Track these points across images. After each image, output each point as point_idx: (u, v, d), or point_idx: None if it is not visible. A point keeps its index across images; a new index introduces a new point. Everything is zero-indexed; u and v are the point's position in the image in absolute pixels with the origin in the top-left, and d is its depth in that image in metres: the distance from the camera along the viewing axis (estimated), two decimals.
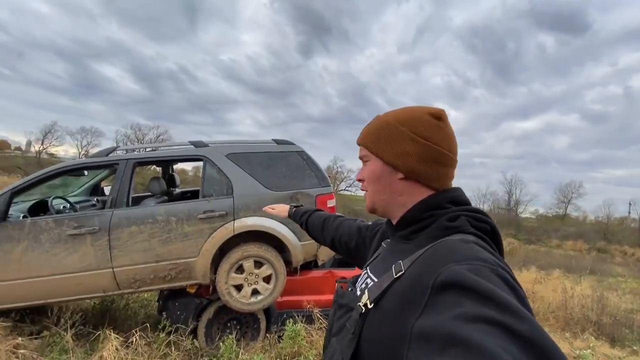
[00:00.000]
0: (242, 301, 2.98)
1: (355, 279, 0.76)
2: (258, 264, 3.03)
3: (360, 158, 0.75)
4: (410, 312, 0.48)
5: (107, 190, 4.22)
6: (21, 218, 2.82)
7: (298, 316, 3.30)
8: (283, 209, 1.41)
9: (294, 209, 1.35)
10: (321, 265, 3.68)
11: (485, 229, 0.61)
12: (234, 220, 2.94)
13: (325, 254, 3.24)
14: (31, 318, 2.96)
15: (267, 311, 3.33)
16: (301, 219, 1.27)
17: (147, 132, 39.40)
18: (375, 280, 0.64)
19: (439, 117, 0.67)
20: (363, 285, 0.69)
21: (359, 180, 0.75)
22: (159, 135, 38.83)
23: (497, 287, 0.43)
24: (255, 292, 3.05)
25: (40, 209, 3.15)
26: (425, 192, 0.66)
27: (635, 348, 4.16)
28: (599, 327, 4.65)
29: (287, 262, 3.19)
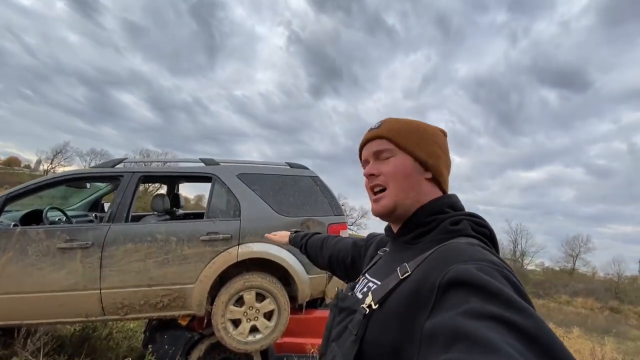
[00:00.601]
0: (238, 339, 2.64)
1: (354, 285, 0.75)
2: (260, 297, 2.73)
3: (376, 153, 0.71)
4: (418, 312, 0.48)
5: (107, 206, 4.03)
6: (11, 226, 2.61)
7: None
8: (284, 234, 1.40)
9: (294, 234, 1.35)
10: (328, 305, 3.34)
11: (485, 233, 0.62)
12: (238, 245, 2.70)
13: (335, 290, 2.93)
14: (2, 341, 2.63)
15: (264, 353, 2.95)
16: (301, 241, 1.27)
17: (156, 157, 40.16)
18: (378, 283, 0.63)
19: (445, 134, 0.76)
20: (365, 289, 0.67)
21: (371, 175, 0.71)
22: (166, 163, 39.73)
23: (504, 286, 0.43)
24: (254, 330, 2.71)
25: (33, 219, 2.94)
26: (436, 194, 0.69)
27: None
28: None
29: (292, 298, 2.88)
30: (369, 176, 0.71)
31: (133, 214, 2.84)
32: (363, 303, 0.59)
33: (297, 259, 2.80)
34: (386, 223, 0.77)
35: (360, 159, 0.79)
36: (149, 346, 2.72)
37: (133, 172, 2.85)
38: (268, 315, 2.75)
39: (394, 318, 0.52)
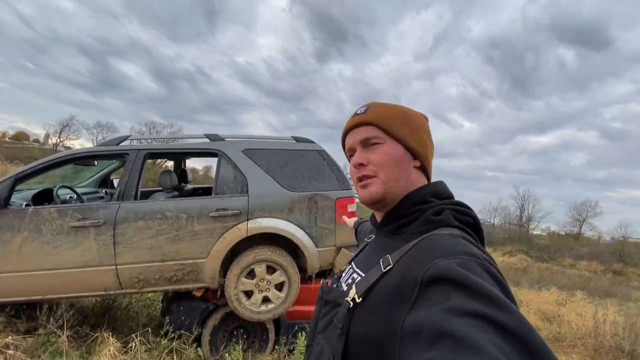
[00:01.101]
0: (251, 309, 2.75)
1: (340, 276, 0.75)
2: (270, 270, 2.80)
3: (363, 141, 0.67)
4: (399, 307, 0.48)
5: (117, 182, 4.07)
6: (23, 206, 2.66)
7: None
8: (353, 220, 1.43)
9: (359, 219, 1.38)
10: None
11: (468, 222, 0.61)
12: (247, 220, 2.73)
13: (342, 262, 2.99)
14: (27, 314, 2.78)
15: (276, 321, 3.08)
16: (357, 228, 1.29)
17: (161, 129, 39.85)
18: (363, 274, 0.63)
19: (427, 120, 0.73)
20: (350, 281, 0.67)
21: (360, 165, 0.67)
22: (172, 134, 39.48)
23: (485, 281, 0.43)
24: (265, 300, 2.81)
25: (44, 198, 2.99)
26: (423, 181, 0.69)
27: None
28: (632, 357, 4.26)
29: (301, 269, 2.95)
30: (358, 165, 0.67)
31: (142, 189, 2.86)
32: (347, 296, 0.59)
33: (306, 232, 2.83)
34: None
35: (344, 146, 0.75)
36: (166, 317, 2.85)
37: (138, 150, 2.83)
38: (279, 287, 2.83)
39: (377, 312, 0.52)
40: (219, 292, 2.89)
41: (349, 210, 2.95)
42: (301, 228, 2.82)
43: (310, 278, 3.06)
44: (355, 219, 1.40)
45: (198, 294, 3.01)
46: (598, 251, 33.83)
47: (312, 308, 3.23)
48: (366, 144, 0.68)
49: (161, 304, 3.52)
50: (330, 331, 0.60)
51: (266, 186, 2.84)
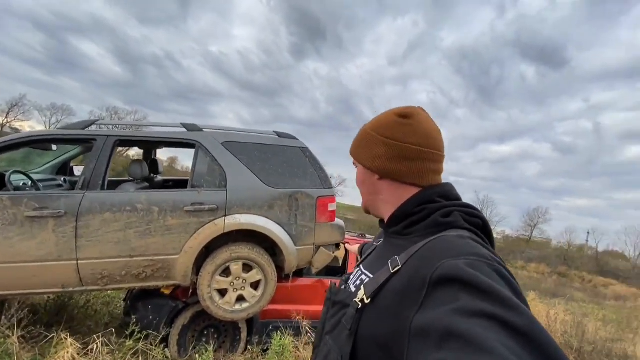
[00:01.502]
0: (225, 308, 2.65)
1: (348, 277, 0.76)
2: (247, 268, 2.71)
3: (354, 165, 0.78)
4: (408, 307, 0.48)
5: (77, 170, 3.75)
6: None
7: (285, 328, 3.00)
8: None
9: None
10: (314, 273, 3.40)
11: (477, 223, 0.61)
12: (225, 216, 2.62)
13: (321, 260, 2.97)
14: None
15: (249, 320, 3.00)
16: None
17: (125, 116, 37.47)
18: (371, 276, 0.63)
19: (404, 115, 0.68)
20: (358, 282, 0.67)
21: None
22: (136, 121, 37.07)
23: (494, 281, 0.42)
24: (240, 299, 2.72)
25: None
26: (406, 188, 0.67)
27: None
28: (580, 354, 4.64)
29: (278, 267, 2.89)
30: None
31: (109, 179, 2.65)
32: (356, 297, 0.59)
33: (285, 230, 2.77)
34: None
35: None
36: (132, 316, 2.67)
37: (108, 136, 2.61)
38: (255, 285, 2.75)
39: (385, 312, 0.52)
40: (190, 290, 2.75)
41: (330, 209, 2.92)
42: (281, 226, 2.75)
43: (287, 276, 3.00)
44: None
45: (167, 291, 2.85)
46: (546, 254, 36.67)
47: (287, 307, 3.18)
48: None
49: (124, 302, 3.30)
50: (339, 332, 0.61)
51: (246, 181, 2.74)
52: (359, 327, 0.56)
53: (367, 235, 4.40)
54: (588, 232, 42.42)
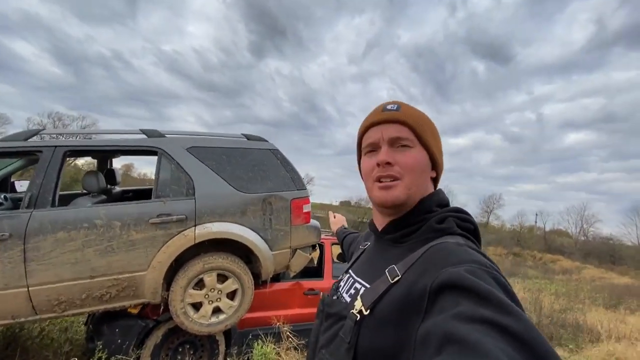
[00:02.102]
0: (200, 322, 2.52)
1: (338, 285, 0.74)
2: (221, 278, 2.60)
3: (394, 139, 0.63)
4: (410, 318, 0.48)
5: (19, 186, 3.37)
6: None
7: (265, 335, 2.93)
8: (339, 220, 1.40)
9: (342, 229, 1.35)
10: (290, 277, 3.34)
11: (469, 228, 0.62)
12: (195, 226, 2.48)
13: (298, 264, 2.93)
14: None
15: (227, 331, 2.89)
16: (343, 240, 1.27)
17: (70, 123, 34.26)
18: (367, 285, 0.61)
19: None
20: (352, 291, 0.65)
21: (387, 164, 0.62)
22: (84, 128, 33.95)
23: (493, 288, 0.43)
24: (216, 311, 2.60)
25: None
26: (432, 188, 0.68)
27: (571, 347, 4.57)
28: (539, 327, 5.03)
29: (255, 274, 2.81)
30: (385, 164, 0.62)
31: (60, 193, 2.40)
32: (352, 308, 0.58)
33: (260, 236, 2.69)
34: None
35: (361, 139, 0.71)
36: (96, 341, 2.45)
37: (55, 146, 2.37)
38: (231, 295, 2.65)
39: (386, 324, 0.52)
40: (161, 307, 2.58)
41: (305, 210, 2.89)
42: (255, 231, 2.67)
43: (264, 282, 2.92)
44: (340, 225, 1.36)
45: (134, 311, 2.65)
46: (502, 237, 39.49)
47: (266, 313, 3.10)
48: (395, 143, 0.64)
49: (85, 327, 3.03)
50: (336, 345, 0.59)
51: (216, 188, 2.62)
52: (358, 339, 0.54)
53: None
54: (536, 214, 46.37)
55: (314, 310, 2.78)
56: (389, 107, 0.67)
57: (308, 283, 3.50)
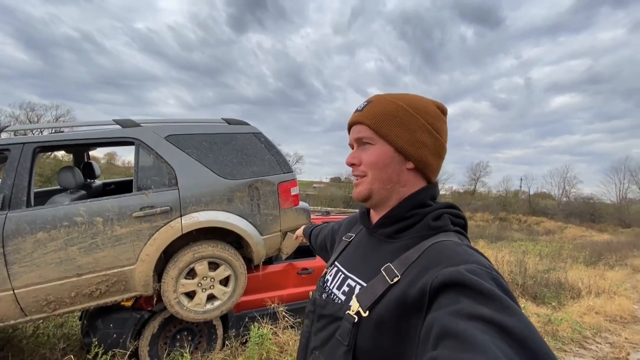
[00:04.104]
0: (195, 310, 2.53)
1: (325, 279, 0.72)
2: (213, 266, 2.60)
3: (357, 140, 0.66)
4: (411, 318, 0.48)
5: None
6: None
7: (262, 317, 2.98)
8: (299, 232, 1.37)
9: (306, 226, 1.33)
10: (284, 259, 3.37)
11: (461, 224, 0.63)
12: (181, 216, 2.44)
13: (290, 246, 2.94)
14: None
15: (223, 316, 2.92)
16: (310, 236, 1.25)
17: (43, 112, 32.64)
18: (362, 283, 0.60)
19: (443, 110, 0.67)
20: (346, 289, 0.64)
21: (351, 165, 0.67)
22: (59, 117, 32.32)
23: (493, 288, 0.43)
24: (211, 298, 2.62)
25: None
26: (422, 183, 0.66)
27: (554, 304, 4.83)
28: (524, 288, 5.29)
29: (247, 259, 2.81)
30: (350, 165, 0.68)
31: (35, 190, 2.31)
32: (349, 309, 0.57)
33: (249, 221, 2.67)
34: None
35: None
36: (91, 336, 2.45)
37: (24, 143, 2.24)
38: (224, 281, 2.66)
39: (385, 325, 0.51)
40: (154, 298, 2.58)
41: (292, 193, 2.86)
42: (243, 217, 2.64)
43: (257, 266, 2.94)
44: (300, 229, 1.36)
45: (127, 303, 2.65)
46: (488, 203, 40.67)
47: (260, 296, 3.14)
48: (360, 143, 0.67)
49: (80, 322, 3.02)
50: (332, 347, 0.58)
51: (199, 176, 2.56)
52: (357, 341, 0.54)
53: (331, 213, 4.44)
54: (521, 179, 47.77)
55: (309, 288, 2.82)
56: (359, 106, 0.68)
57: (301, 263, 3.54)
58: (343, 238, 0.80)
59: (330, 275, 0.72)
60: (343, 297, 0.63)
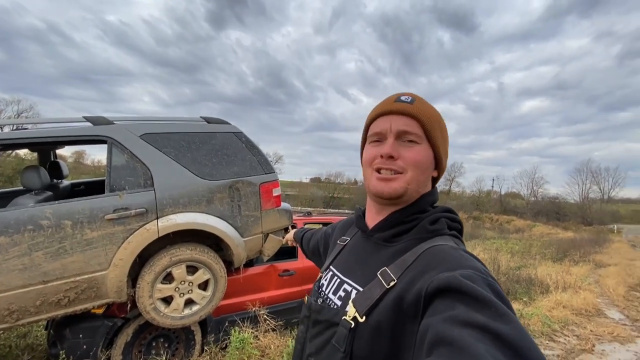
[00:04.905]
0: (173, 316, 2.44)
1: (320, 284, 0.71)
2: (191, 269, 2.51)
3: (402, 132, 0.62)
4: (406, 323, 0.48)
5: None
6: None
7: (242, 320, 2.91)
8: (290, 235, 1.35)
9: (297, 230, 1.30)
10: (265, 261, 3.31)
11: (457, 228, 0.63)
12: (157, 218, 2.34)
13: (271, 248, 2.89)
14: None
15: (202, 320, 2.83)
16: (301, 240, 1.21)
17: (4, 107, 30.48)
18: (358, 287, 0.60)
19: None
20: (342, 293, 0.62)
21: (390, 157, 0.61)
22: (21, 113, 30.24)
23: (489, 294, 0.43)
24: (189, 302, 2.53)
25: None
26: (429, 187, 0.67)
27: (525, 299, 5.05)
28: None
29: (226, 262, 2.74)
30: (388, 157, 0.61)
31: None
32: (345, 315, 0.56)
33: (230, 223, 2.60)
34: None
35: (368, 126, 0.68)
36: (58, 346, 2.31)
37: None
38: (203, 285, 2.57)
39: (382, 331, 0.51)
40: (129, 304, 2.46)
41: (274, 194, 2.82)
42: (224, 219, 2.57)
43: (237, 269, 2.87)
44: (291, 233, 1.33)
45: (99, 311, 2.51)
46: (463, 203, 42.09)
47: (241, 299, 3.07)
48: (402, 137, 0.62)
49: (46, 332, 2.83)
50: (329, 354, 0.57)
51: (176, 176, 2.46)
52: (353, 347, 0.53)
53: (312, 214, 4.42)
54: (493, 179, 49.80)
55: (290, 290, 2.79)
56: (402, 98, 0.64)
57: (282, 264, 3.50)
58: (338, 241, 0.79)
59: (326, 280, 0.71)
60: (339, 302, 0.62)
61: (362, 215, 0.73)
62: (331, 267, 0.72)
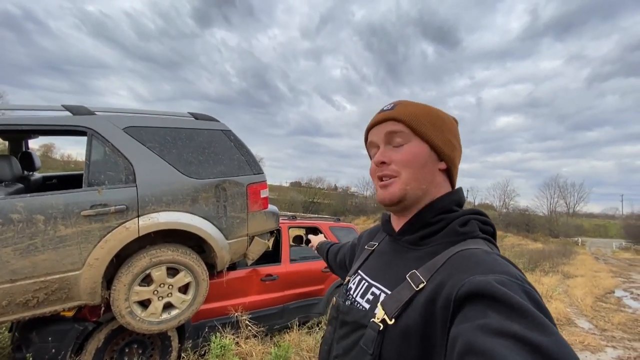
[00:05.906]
0: (149, 320, 2.31)
1: (348, 287, 0.70)
2: (172, 270, 2.40)
3: (389, 134, 0.63)
4: (436, 328, 0.47)
5: None
6: None
7: (223, 326, 2.81)
8: (317, 239, 1.35)
9: (322, 242, 1.29)
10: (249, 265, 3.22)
11: (490, 231, 0.60)
12: (138, 217, 2.22)
13: (256, 251, 2.82)
14: None
15: (179, 326, 2.71)
16: (327, 253, 1.21)
17: None
18: (387, 290, 0.58)
19: (456, 122, 0.70)
20: (370, 297, 0.61)
21: (382, 163, 0.63)
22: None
23: (525, 302, 0.40)
24: (168, 306, 2.41)
25: None
26: (448, 187, 0.65)
27: None
28: None
29: (209, 265, 2.64)
30: (380, 164, 0.63)
31: None
32: (373, 317, 0.55)
33: (214, 224, 2.51)
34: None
35: (366, 143, 0.71)
36: (25, 351, 2.13)
37: None
38: (183, 289, 2.46)
39: (411, 334, 0.50)
40: (102, 308, 2.32)
41: (262, 196, 2.76)
42: (208, 220, 2.48)
43: (220, 272, 2.77)
44: (316, 241, 1.33)
45: (69, 314, 2.34)
46: None
47: (222, 303, 2.97)
48: (390, 140, 0.63)
49: (10, 334, 2.62)
50: (356, 356, 0.56)
51: (161, 173, 2.36)
52: (382, 350, 0.52)
53: (297, 218, 4.36)
54: (467, 190, 51.38)
55: (272, 295, 2.75)
56: (384, 107, 0.67)
57: (265, 269, 3.42)
58: (365, 247, 0.78)
59: (354, 284, 0.69)
60: (367, 306, 0.60)
61: (389, 219, 0.72)
62: (359, 271, 0.71)
